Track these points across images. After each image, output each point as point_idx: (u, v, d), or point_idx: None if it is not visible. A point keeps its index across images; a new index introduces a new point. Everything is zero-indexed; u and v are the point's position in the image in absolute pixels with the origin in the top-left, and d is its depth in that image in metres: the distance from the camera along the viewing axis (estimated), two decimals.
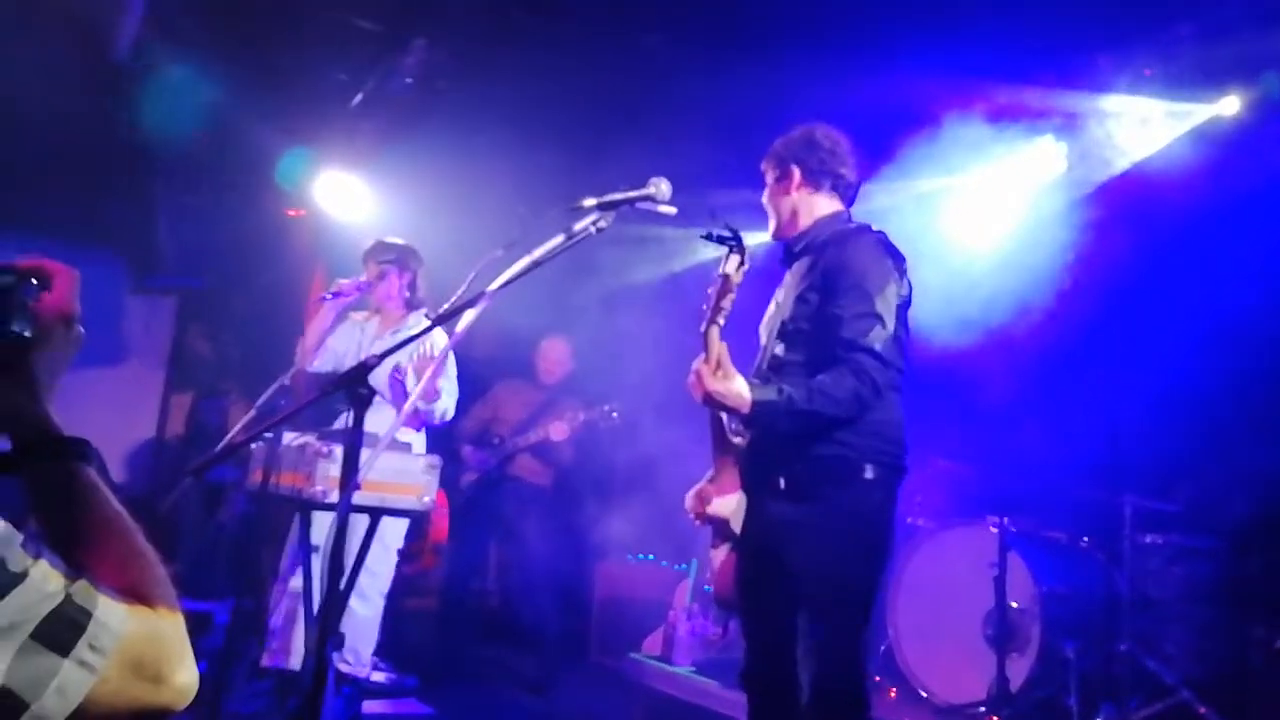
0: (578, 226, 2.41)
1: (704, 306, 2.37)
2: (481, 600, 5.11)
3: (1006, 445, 4.59)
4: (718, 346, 2.31)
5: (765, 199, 2.66)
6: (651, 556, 5.26)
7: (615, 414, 4.97)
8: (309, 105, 5.28)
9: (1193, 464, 4.36)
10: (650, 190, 2.43)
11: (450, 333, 2.39)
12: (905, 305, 2.45)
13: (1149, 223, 4.38)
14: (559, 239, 2.38)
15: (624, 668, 4.77)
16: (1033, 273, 4.43)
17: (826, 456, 2.29)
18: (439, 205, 5.21)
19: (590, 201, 2.41)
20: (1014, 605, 4.01)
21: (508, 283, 2.38)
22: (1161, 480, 4.32)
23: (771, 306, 2.65)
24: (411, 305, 4.07)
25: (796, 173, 2.59)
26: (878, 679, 4.37)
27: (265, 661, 3.43)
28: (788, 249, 2.63)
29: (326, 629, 1.81)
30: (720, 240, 2.38)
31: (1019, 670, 3.91)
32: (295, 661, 3.29)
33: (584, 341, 5.47)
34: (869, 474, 2.28)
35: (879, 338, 2.27)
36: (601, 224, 2.40)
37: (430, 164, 5.07)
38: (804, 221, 2.59)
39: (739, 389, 2.26)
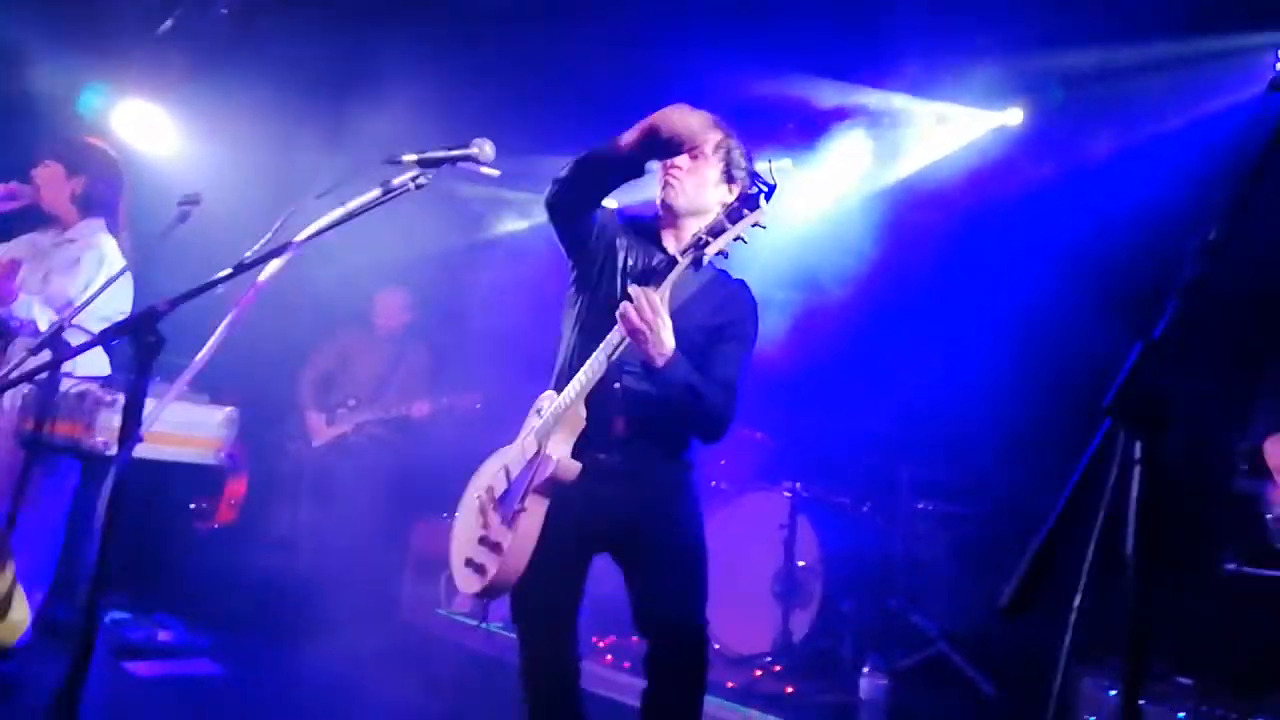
0: (395, 181, 2.37)
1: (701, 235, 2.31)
2: (290, 557, 4.96)
3: (805, 417, 4.92)
4: (672, 287, 2.33)
5: (689, 174, 2.49)
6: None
7: (479, 405, 5.11)
8: (112, 28, 4.86)
9: (963, 439, 4.83)
10: (473, 151, 2.41)
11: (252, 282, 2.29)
12: None
13: (942, 217, 4.78)
14: (375, 193, 2.36)
15: (433, 625, 4.79)
16: (836, 257, 4.74)
17: (683, 460, 2.53)
18: (251, 146, 4.94)
19: (410, 157, 2.38)
20: (801, 564, 4.33)
21: (317, 234, 2.34)
22: (936, 452, 4.76)
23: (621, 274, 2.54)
24: (87, 210, 3.54)
25: (739, 184, 2.53)
26: None
27: None
28: (683, 251, 2.44)
29: (99, 588, 1.73)
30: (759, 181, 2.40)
31: (801, 623, 4.24)
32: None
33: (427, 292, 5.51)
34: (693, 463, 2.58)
35: (742, 388, 2.46)
36: (421, 181, 2.37)
37: (243, 102, 4.79)
38: (697, 219, 2.50)
39: (670, 334, 2.29)
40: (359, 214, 2.36)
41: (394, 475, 5.16)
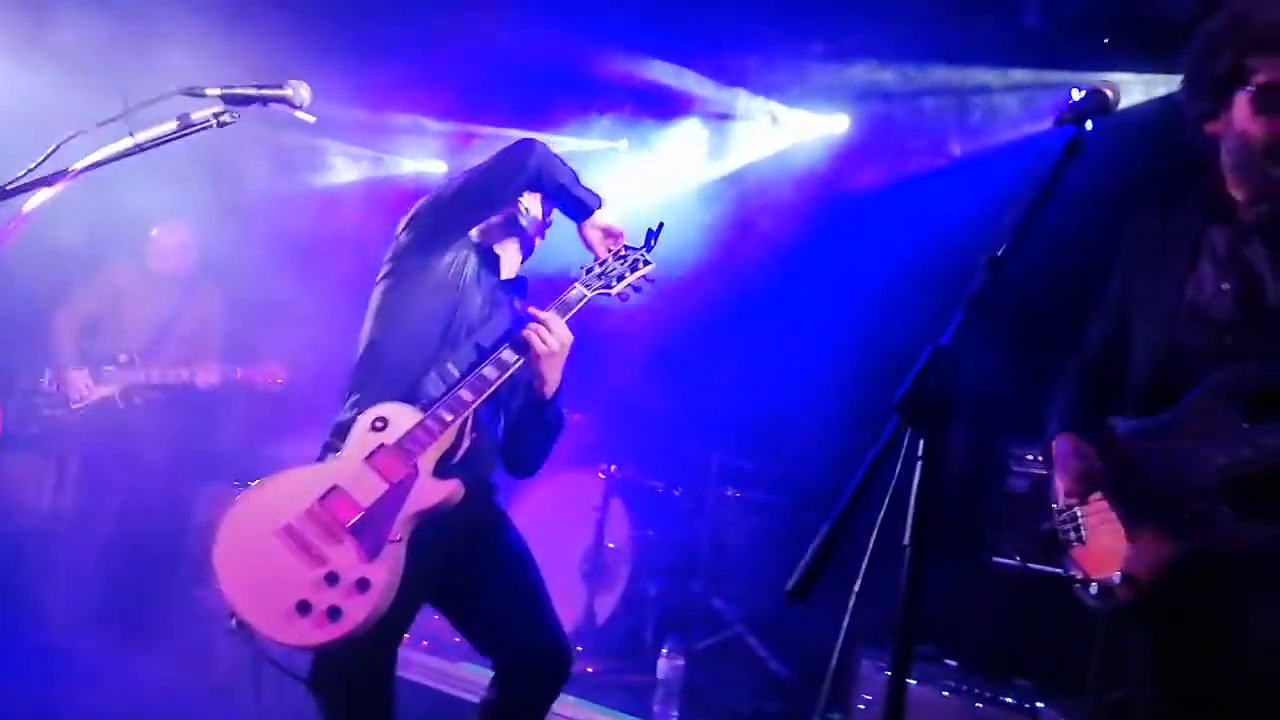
0: (196, 116, 2.20)
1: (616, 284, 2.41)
2: (48, 533, 4.46)
3: (625, 401, 4.95)
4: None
5: (533, 203, 2.54)
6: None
7: (281, 381, 4.51)
8: None
9: (777, 430, 5.00)
10: (287, 92, 2.27)
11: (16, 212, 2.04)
12: None
13: (771, 213, 4.92)
14: (170, 126, 2.17)
15: (210, 598, 4.48)
16: (669, 243, 4.77)
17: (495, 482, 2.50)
18: (25, 58, 4.36)
19: (214, 91, 2.21)
20: (610, 546, 4.37)
21: (99, 164, 2.12)
22: (749, 442, 4.91)
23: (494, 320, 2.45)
24: None
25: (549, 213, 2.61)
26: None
27: None
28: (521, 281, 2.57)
29: None
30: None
31: (606, 605, 4.28)
32: None
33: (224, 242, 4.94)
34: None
35: None
36: (225, 118, 2.21)
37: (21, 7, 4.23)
38: None
39: None
40: (150, 148, 2.17)
41: (173, 448, 4.59)
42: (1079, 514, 1.96)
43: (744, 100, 4.82)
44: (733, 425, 4.80)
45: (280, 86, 2.27)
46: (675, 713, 3.70)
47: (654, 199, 5.04)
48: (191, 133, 2.20)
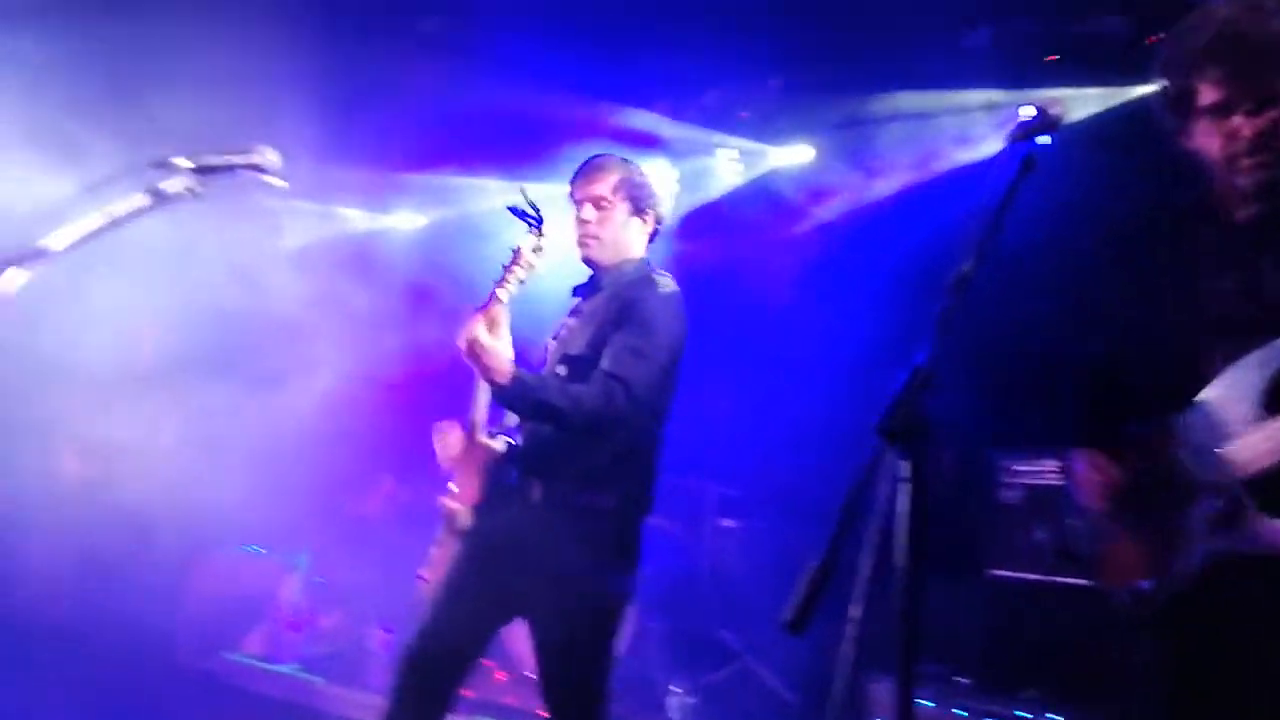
0: (166, 187, 2.21)
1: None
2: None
3: None
4: (499, 308, 2.34)
5: (596, 223, 2.54)
6: (256, 548, 4.92)
7: None
8: None
9: (772, 456, 4.98)
10: (256, 158, 2.29)
11: None
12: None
13: (744, 247, 4.97)
14: (141, 198, 2.17)
15: (217, 669, 4.44)
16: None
17: (601, 505, 2.46)
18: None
19: (183, 161, 2.22)
20: None
21: (79, 242, 2.11)
22: (742, 472, 4.90)
23: (563, 332, 2.60)
24: None
25: (629, 206, 2.58)
26: (488, 664, 4.50)
27: None
28: (594, 280, 2.59)
29: None
30: (520, 215, 2.48)
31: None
32: None
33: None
34: (628, 513, 2.54)
35: (639, 376, 2.32)
36: (196, 189, 2.23)
37: None
38: (619, 256, 2.57)
39: (506, 353, 2.26)
40: (126, 223, 2.16)
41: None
42: (1103, 522, 1.92)
43: (707, 137, 4.90)
44: (726, 454, 4.80)
45: (248, 152, 2.29)
46: None
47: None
48: (164, 205, 2.20)
